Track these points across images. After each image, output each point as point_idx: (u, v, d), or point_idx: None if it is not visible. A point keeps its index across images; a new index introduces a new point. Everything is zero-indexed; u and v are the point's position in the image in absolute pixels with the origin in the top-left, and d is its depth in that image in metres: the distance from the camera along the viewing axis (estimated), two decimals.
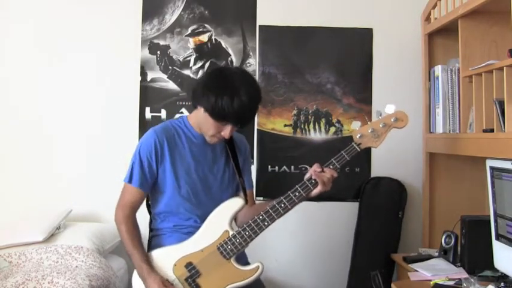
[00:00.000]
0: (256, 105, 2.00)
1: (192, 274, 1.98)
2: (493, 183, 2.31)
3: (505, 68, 2.20)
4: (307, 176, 2.01)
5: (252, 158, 3.34)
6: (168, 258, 2.01)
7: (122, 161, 3.31)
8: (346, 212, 3.34)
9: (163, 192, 2.10)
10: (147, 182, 2.07)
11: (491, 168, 2.31)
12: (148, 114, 3.34)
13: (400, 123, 1.99)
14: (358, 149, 1.99)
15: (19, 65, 3.33)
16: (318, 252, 3.36)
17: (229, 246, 1.97)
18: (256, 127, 3.35)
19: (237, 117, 1.95)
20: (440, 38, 3.10)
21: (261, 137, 3.35)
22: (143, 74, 3.36)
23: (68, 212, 3.09)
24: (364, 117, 3.36)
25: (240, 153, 2.21)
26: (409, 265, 2.66)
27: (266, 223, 1.95)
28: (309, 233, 3.35)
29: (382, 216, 3.23)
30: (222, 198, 2.08)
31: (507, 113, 2.18)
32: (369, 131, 1.98)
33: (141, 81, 3.35)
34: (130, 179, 2.07)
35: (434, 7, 3.03)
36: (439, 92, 2.88)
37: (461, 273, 2.40)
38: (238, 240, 1.97)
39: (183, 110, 3.35)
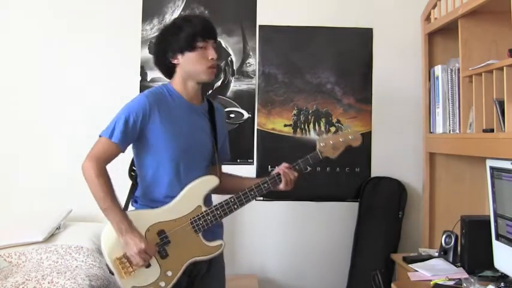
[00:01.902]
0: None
1: (163, 242, 2.03)
2: (493, 183, 2.31)
3: (505, 68, 2.20)
4: (275, 171, 2.17)
5: (252, 158, 3.35)
6: (141, 221, 2.03)
7: (122, 160, 3.33)
8: (346, 212, 3.34)
9: (150, 155, 2.08)
10: (126, 140, 2.03)
11: (491, 168, 2.31)
12: None
13: (355, 142, 2.25)
14: (320, 157, 2.19)
15: (18, 64, 3.33)
16: (318, 252, 3.36)
17: (201, 222, 2.06)
18: (256, 127, 3.35)
19: (202, 27, 2.11)
20: (440, 38, 3.10)
21: (261, 137, 3.35)
22: (143, 74, 3.36)
23: (68, 212, 3.10)
24: (365, 116, 3.37)
25: (218, 123, 2.24)
26: (409, 265, 2.66)
27: (236, 206, 2.09)
28: (309, 233, 3.35)
29: (382, 216, 3.23)
30: (206, 165, 2.16)
31: (507, 113, 2.18)
32: (331, 142, 2.21)
33: (141, 81, 3.36)
34: (111, 134, 2.01)
35: (434, 7, 3.03)
36: (439, 92, 2.88)
37: (461, 273, 2.40)
38: (209, 218, 2.06)
39: None
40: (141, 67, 3.36)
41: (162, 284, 2.02)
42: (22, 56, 3.33)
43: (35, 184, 3.29)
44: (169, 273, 2.03)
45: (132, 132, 2.03)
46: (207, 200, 2.14)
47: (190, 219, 2.06)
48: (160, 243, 2.03)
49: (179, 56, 2.10)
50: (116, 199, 2.03)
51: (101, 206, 2.03)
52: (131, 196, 2.18)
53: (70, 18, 3.33)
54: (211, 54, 2.10)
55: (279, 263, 3.35)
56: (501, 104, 2.22)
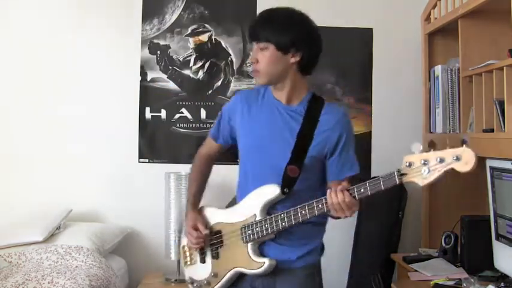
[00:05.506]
0: (269, 15, 1.94)
1: (217, 242, 1.98)
2: (493, 183, 2.31)
3: (505, 68, 2.20)
4: None
5: None
6: (208, 218, 2.04)
7: (122, 160, 3.35)
8: None
9: (239, 153, 2.04)
10: (219, 134, 2.09)
11: (491, 168, 2.31)
12: (148, 114, 3.34)
13: (462, 166, 1.52)
14: (397, 181, 1.62)
15: (18, 64, 3.33)
16: None
17: (249, 231, 1.89)
18: None
19: (249, 26, 1.97)
20: (440, 38, 3.10)
21: None
22: (143, 74, 3.36)
23: (68, 212, 3.09)
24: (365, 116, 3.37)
25: (321, 127, 1.90)
26: (409, 265, 2.66)
27: (283, 223, 1.83)
28: None
29: (382, 216, 3.23)
30: (275, 173, 1.88)
31: (507, 113, 2.18)
32: (421, 162, 1.57)
33: (141, 81, 3.36)
34: (211, 129, 2.14)
35: (434, 7, 3.03)
36: (439, 92, 2.88)
37: (461, 273, 2.41)
38: (257, 229, 1.87)
39: (183, 110, 3.35)
40: (141, 67, 3.35)
41: (209, 284, 1.99)
42: (21, 56, 3.32)
43: (35, 184, 3.29)
44: (216, 276, 1.97)
45: (223, 128, 2.07)
46: (272, 211, 1.88)
47: (241, 226, 1.91)
48: (215, 242, 1.99)
49: None
50: (195, 185, 2.10)
51: None
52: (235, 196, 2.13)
53: (70, 18, 3.32)
54: (251, 57, 1.96)
55: None
56: (501, 104, 2.22)
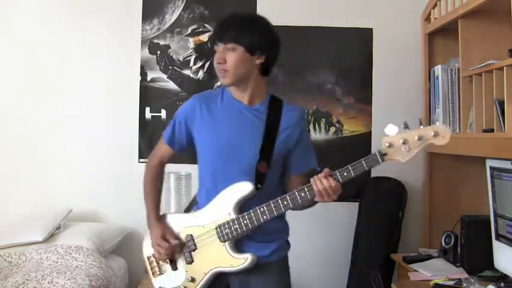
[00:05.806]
0: (237, 18, 2.00)
1: (189, 246, 1.99)
2: (493, 183, 2.31)
3: (505, 68, 2.20)
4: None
5: None
6: (175, 224, 2.05)
7: (122, 160, 3.35)
8: (346, 212, 3.34)
9: (198, 157, 2.05)
10: (175, 140, 2.07)
11: (491, 168, 2.31)
12: (148, 114, 3.35)
13: (440, 140, 1.71)
14: (380, 161, 1.76)
15: (17, 64, 3.33)
16: (318, 252, 3.35)
17: (226, 230, 1.92)
18: None
19: (214, 29, 1.99)
20: (440, 38, 3.10)
21: None
22: (143, 74, 3.36)
23: (68, 212, 3.10)
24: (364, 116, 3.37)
25: (283, 125, 1.99)
26: (409, 265, 2.66)
27: (265, 216, 1.88)
28: (309, 233, 3.35)
29: (382, 216, 3.23)
30: (247, 170, 1.95)
31: (507, 113, 2.18)
32: (401, 141, 1.72)
33: (141, 81, 3.36)
34: (164, 133, 2.11)
35: (434, 7, 3.03)
36: (439, 92, 2.88)
37: (461, 273, 2.41)
38: (235, 226, 1.90)
39: None
40: (141, 67, 3.36)
41: None
42: (20, 56, 3.33)
43: (35, 184, 3.29)
44: (193, 280, 1.97)
45: (179, 132, 2.05)
46: (244, 208, 1.93)
47: (216, 226, 1.93)
48: (186, 247, 1.99)
49: None
50: (153, 193, 2.12)
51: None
52: (195, 199, 2.15)
53: (70, 18, 3.33)
54: (216, 58, 1.94)
55: None
56: (501, 104, 2.22)
